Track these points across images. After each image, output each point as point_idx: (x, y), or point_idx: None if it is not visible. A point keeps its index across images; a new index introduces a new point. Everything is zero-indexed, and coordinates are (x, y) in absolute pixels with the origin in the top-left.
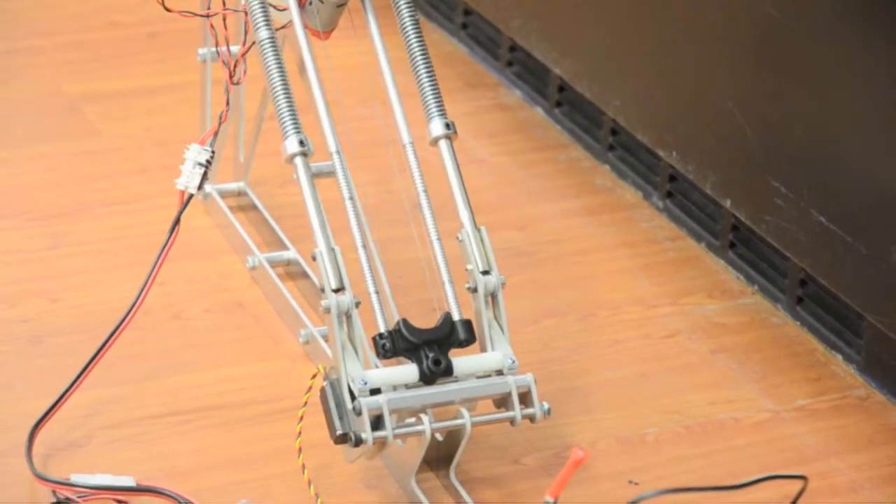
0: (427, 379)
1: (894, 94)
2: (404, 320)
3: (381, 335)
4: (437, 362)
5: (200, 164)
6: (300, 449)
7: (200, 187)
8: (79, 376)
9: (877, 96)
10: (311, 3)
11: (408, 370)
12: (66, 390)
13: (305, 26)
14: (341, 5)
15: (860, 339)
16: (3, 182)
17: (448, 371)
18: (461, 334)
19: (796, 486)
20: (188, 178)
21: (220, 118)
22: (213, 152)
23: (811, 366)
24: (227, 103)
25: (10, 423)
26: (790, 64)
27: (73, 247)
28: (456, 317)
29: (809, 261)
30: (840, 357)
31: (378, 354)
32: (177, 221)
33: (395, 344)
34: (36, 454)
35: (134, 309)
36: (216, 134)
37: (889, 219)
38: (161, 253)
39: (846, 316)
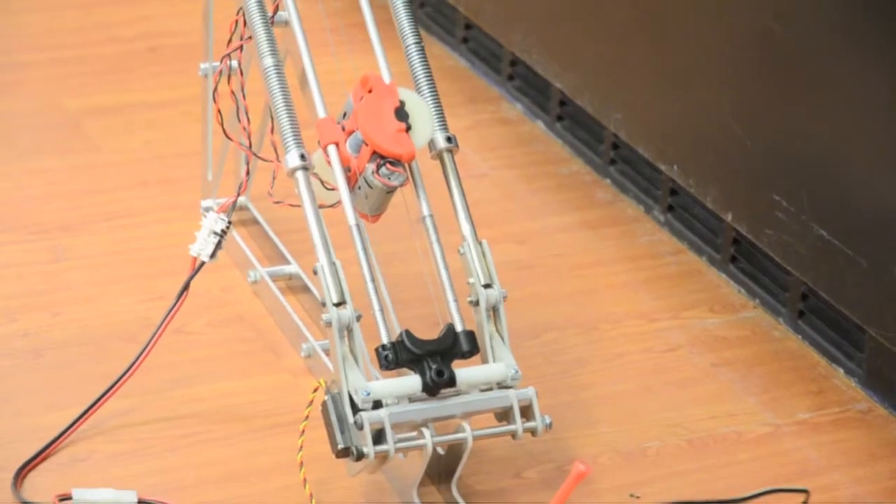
0: (430, 390)
1: (895, 107)
2: (407, 332)
3: (383, 346)
4: (440, 373)
5: (216, 233)
6: (302, 463)
7: (213, 256)
8: (70, 426)
9: (877, 110)
10: (360, 188)
11: (410, 381)
12: (57, 437)
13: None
14: (390, 192)
15: (861, 353)
16: (4, 196)
17: (451, 382)
18: (464, 345)
19: (798, 499)
20: (202, 246)
21: (239, 189)
22: (229, 223)
23: (813, 379)
24: (248, 173)
25: (10, 437)
26: (791, 78)
27: (74, 261)
28: (459, 328)
29: (811, 274)
30: (841, 370)
31: (381, 366)
32: (185, 287)
33: (397, 355)
34: (38, 468)
35: (130, 371)
36: (234, 204)
37: (890, 232)
38: (167, 316)
39: (847, 329)
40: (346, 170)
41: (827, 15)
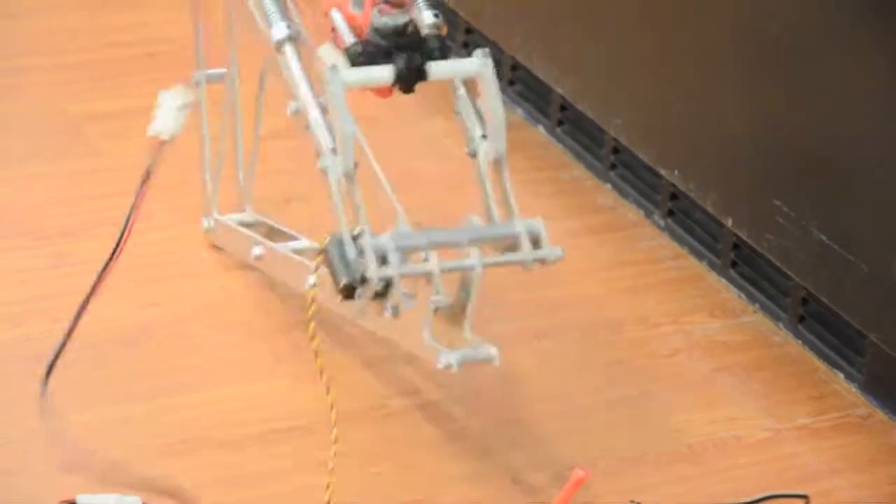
0: (403, 79)
1: None
2: (373, 28)
3: (352, 44)
4: (411, 61)
5: (185, 107)
6: (322, 371)
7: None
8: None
9: (879, 115)
10: None
11: (383, 69)
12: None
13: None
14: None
15: (862, 358)
16: (5, 202)
17: (422, 73)
18: (433, 43)
19: None
20: (165, 123)
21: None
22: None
23: (813, 384)
24: None
25: (14, 442)
26: (791, 82)
27: (75, 266)
28: (424, 32)
29: (811, 279)
30: (842, 375)
31: (351, 62)
32: (148, 174)
33: (366, 49)
34: (40, 473)
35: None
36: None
37: (890, 237)
38: (136, 201)
39: (848, 334)
40: (353, 30)
41: (828, 20)
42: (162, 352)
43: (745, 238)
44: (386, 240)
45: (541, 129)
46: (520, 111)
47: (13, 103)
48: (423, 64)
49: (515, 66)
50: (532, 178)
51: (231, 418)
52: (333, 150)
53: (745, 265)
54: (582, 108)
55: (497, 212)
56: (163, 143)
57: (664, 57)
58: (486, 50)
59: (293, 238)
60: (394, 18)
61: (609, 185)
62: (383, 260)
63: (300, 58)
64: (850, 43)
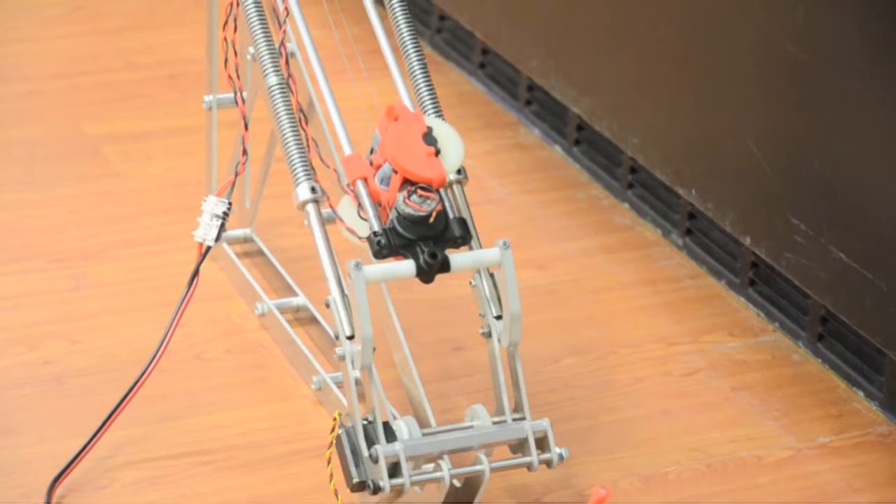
0: (424, 274)
1: None
2: (398, 217)
3: (375, 233)
4: (433, 256)
5: (217, 217)
6: (336, 491)
7: (218, 239)
8: (96, 433)
9: None
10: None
11: (405, 265)
12: (85, 446)
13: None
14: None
15: (881, 376)
16: (25, 223)
17: (445, 265)
18: (455, 230)
19: None
20: (206, 231)
21: (237, 169)
22: (230, 204)
23: (833, 403)
24: (244, 153)
25: (33, 465)
26: (809, 101)
27: (95, 288)
28: (450, 215)
29: (830, 298)
30: (861, 394)
31: (373, 252)
32: (195, 273)
33: (390, 241)
34: (59, 496)
35: (149, 370)
36: (233, 185)
37: None
38: (180, 305)
39: (867, 353)
40: (377, 205)
41: (846, 37)
42: (182, 373)
43: (763, 257)
44: (399, 448)
45: (557, 148)
46: (536, 131)
47: (34, 125)
48: (445, 258)
49: (532, 87)
50: (549, 197)
51: (251, 439)
52: (350, 338)
53: (763, 284)
54: (599, 127)
55: (507, 401)
56: (209, 247)
57: (681, 76)
58: (507, 241)
59: (288, 285)
60: (420, 209)
61: (626, 205)
62: (395, 466)
63: (322, 221)
64: (870, 61)
